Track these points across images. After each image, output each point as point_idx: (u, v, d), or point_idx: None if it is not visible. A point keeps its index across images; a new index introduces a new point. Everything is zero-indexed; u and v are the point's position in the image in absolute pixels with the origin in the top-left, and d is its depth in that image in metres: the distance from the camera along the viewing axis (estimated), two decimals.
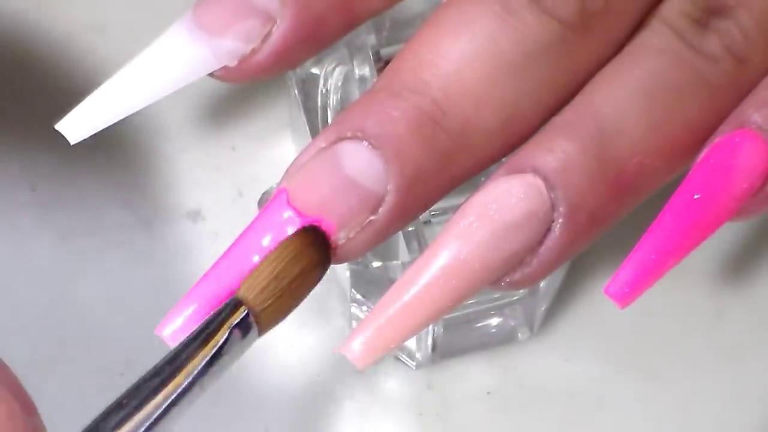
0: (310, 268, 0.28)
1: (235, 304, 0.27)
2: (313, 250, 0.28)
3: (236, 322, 0.27)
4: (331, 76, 0.36)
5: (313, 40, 0.30)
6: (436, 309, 0.28)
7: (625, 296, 0.28)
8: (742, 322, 0.38)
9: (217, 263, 0.28)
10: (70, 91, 0.38)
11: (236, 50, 0.30)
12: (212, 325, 0.27)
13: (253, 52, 0.30)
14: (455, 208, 0.31)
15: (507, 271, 0.28)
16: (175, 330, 0.27)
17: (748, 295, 0.38)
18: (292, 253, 0.28)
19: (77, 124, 0.29)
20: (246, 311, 0.27)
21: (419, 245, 0.33)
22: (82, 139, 0.29)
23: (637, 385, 0.37)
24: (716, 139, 0.29)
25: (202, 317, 0.27)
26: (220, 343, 0.27)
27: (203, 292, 0.28)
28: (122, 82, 0.30)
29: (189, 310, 0.28)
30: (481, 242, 0.28)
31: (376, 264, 0.34)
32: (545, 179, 0.28)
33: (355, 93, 0.35)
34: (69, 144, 0.30)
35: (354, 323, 0.36)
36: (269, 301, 0.27)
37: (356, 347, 0.27)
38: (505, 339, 0.37)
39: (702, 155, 0.29)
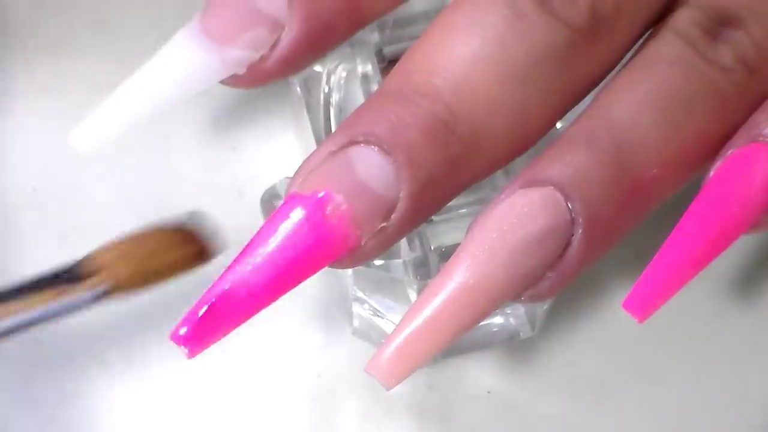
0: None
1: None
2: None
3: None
4: (333, 73, 0.35)
5: (320, 44, 0.30)
6: (459, 326, 0.28)
7: (644, 311, 0.28)
8: (742, 322, 0.38)
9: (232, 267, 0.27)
10: (70, 91, 0.38)
11: (245, 59, 0.29)
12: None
13: (262, 59, 0.30)
14: (457, 207, 0.31)
15: (528, 286, 0.28)
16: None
17: (749, 296, 0.38)
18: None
19: (88, 136, 0.29)
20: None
21: (420, 243, 0.33)
22: (94, 150, 0.29)
23: (637, 385, 0.37)
24: (729, 153, 0.29)
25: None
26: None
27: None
28: (131, 93, 0.29)
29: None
30: (504, 258, 0.28)
31: (377, 262, 0.33)
32: (564, 192, 0.28)
33: (358, 91, 0.35)
34: (69, 144, 0.29)
35: (356, 321, 0.36)
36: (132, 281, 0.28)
37: (384, 367, 0.27)
38: (506, 338, 0.37)
39: (716, 169, 0.29)
